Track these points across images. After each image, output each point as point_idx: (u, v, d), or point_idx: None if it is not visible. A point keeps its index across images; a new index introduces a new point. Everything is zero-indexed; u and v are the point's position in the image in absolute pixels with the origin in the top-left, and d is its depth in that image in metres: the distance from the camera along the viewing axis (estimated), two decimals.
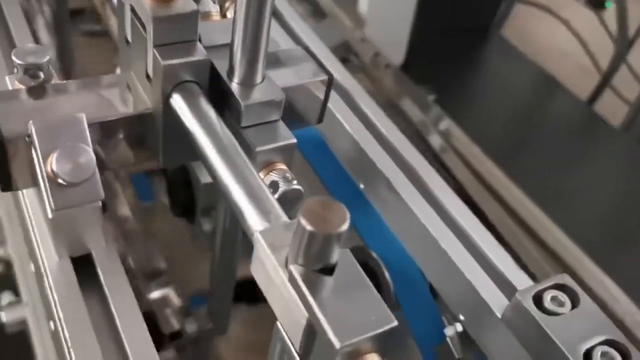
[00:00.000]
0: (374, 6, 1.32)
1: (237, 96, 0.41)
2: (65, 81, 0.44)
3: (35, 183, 0.42)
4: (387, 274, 0.59)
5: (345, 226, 0.29)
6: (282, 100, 0.43)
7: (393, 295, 0.59)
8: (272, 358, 0.36)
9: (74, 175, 0.38)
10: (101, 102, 0.44)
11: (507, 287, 0.48)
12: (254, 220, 0.34)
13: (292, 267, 0.30)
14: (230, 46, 0.41)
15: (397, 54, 1.39)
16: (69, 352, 0.40)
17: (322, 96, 0.51)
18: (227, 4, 0.50)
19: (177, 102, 0.41)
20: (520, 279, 0.48)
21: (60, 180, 0.38)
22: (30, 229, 0.47)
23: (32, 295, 0.81)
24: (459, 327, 0.55)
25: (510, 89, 1.73)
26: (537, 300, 0.44)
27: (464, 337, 0.54)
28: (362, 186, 0.60)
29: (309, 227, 0.28)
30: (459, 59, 1.71)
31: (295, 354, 0.32)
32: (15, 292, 0.90)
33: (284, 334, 0.33)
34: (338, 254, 0.30)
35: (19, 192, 0.49)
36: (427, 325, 0.57)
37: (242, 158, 0.38)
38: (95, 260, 0.44)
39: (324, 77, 0.49)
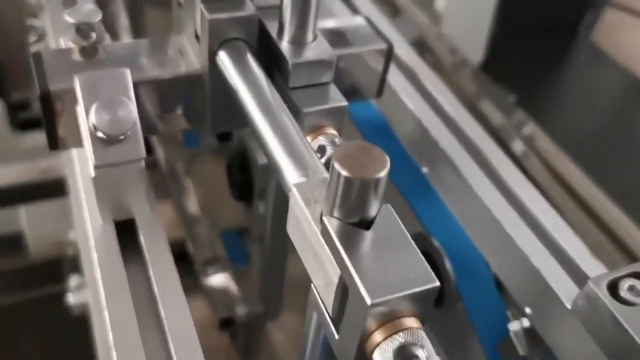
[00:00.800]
0: (451, 2, 1.28)
1: (285, 54, 0.39)
2: (116, 42, 0.44)
3: (80, 143, 0.41)
4: (448, 264, 0.55)
5: (385, 172, 0.26)
6: (334, 60, 0.40)
7: (454, 287, 0.55)
8: (308, 328, 0.33)
9: (114, 128, 0.37)
10: (150, 62, 0.43)
11: (578, 276, 0.43)
12: (291, 175, 0.32)
13: (325, 219, 0.27)
14: (279, 3, 0.39)
15: (475, 52, 1.34)
16: (106, 319, 0.39)
17: (380, 67, 0.48)
18: None
19: (223, 59, 0.40)
20: (594, 268, 0.43)
21: (100, 134, 0.37)
22: (80, 192, 0.47)
23: (95, 277, 0.82)
24: (525, 323, 0.50)
25: (600, 95, 1.63)
26: (612, 288, 0.39)
27: (529, 333, 0.49)
28: (424, 170, 0.57)
29: (344, 172, 0.26)
30: (544, 62, 1.63)
31: (328, 318, 0.29)
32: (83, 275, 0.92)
33: (317, 297, 0.30)
34: (377, 207, 0.27)
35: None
36: (490, 319, 0.52)
37: (285, 114, 0.36)
38: (138, 226, 0.42)
39: (383, 46, 0.47)
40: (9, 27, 1.51)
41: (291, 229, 0.31)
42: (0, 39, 1.50)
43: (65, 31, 0.44)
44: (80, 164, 0.47)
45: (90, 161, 0.38)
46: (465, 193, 0.52)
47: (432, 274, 0.26)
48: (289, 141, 0.34)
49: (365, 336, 0.26)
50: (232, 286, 0.69)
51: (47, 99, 0.39)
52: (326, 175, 0.32)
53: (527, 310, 0.47)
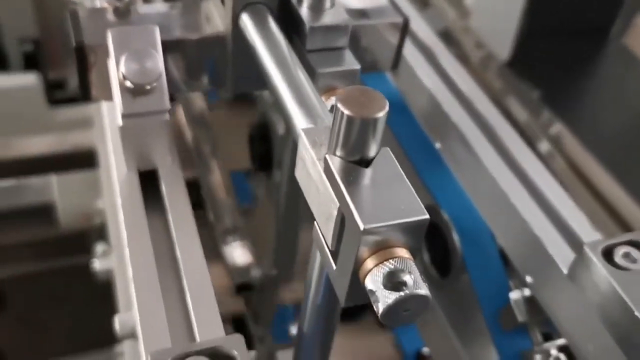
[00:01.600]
0: None
1: (303, 18, 0.42)
2: (148, 4, 0.47)
3: (109, 96, 0.44)
4: (456, 236, 0.57)
5: (383, 113, 0.28)
6: (349, 26, 0.42)
7: (461, 258, 0.57)
8: (312, 266, 0.36)
9: (141, 77, 0.39)
10: (178, 24, 0.45)
11: (576, 244, 0.45)
12: (301, 122, 0.34)
13: (328, 157, 0.30)
14: None
15: (502, 48, 1.34)
16: (127, 256, 0.42)
17: (396, 40, 0.50)
18: None
19: (246, 22, 0.42)
20: (591, 236, 0.45)
21: (128, 83, 0.40)
22: (109, 145, 0.50)
23: (119, 242, 0.86)
24: (526, 292, 0.51)
25: (630, 98, 1.61)
26: (607, 254, 0.41)
27: (529, 302, 0.51)
28: (438, 145, 0.59)
29: (346, 112, 0.28)
30: (573, 62, 1.62)
31: (328, 251, 0.31)
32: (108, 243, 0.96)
33: (319, 233, 0.32)
34: (377, 147, 0.30)
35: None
36: (493, 288, 0.54)
37: (301, 72, 0.38)
38: (159, 176, 0.45)
39: (399, 19, 0.49)
40: (47, 6, 1.56)
41: (298, 172, 0.33)
42: (38, 17, 1.56)
43: None
44: (110, 118, 0.50)
45: (119, 111, 0.41)
46: (475, 167, 0.53)
47: (423, 208, 0.28)
48: (302, 94, 0.36)
49: (359, 263, 0.28)
50: (249, 254, 0.71)
51: (81, 52, 0.42)
52: None
53: (528, 279, 0.49)
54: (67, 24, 0.44)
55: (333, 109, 0.29)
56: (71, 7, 0.44)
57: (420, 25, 0.64)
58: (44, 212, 1.20)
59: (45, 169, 1.14)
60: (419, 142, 0.61)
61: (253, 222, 0.76)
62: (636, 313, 0.38)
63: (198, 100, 1.04)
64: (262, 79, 0.41)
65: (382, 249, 0.28)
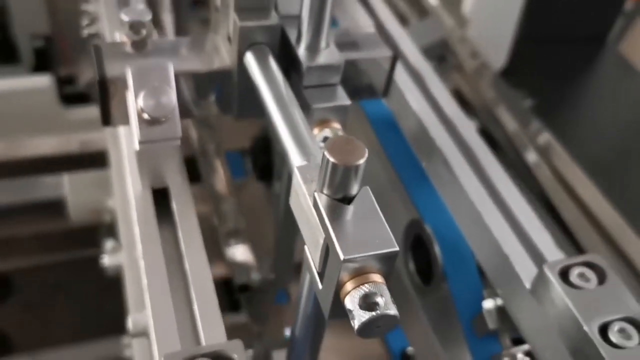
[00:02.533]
0: (478, 6, 1.33)
1: (301, 59, 0.47)
2: (163, 38, 0.52)
3: (127, 122, 0.50)
4: (437, 248, 0.63)
5: (362, 160, 0.34)
6: (341, 65, 0.48)
7: (442, 269, 0.62)
8: (302, 284, 0.41)
9: (157, 111, 0.45)
10: (190, 57, 0.51)
11: (541, 262, 0.50)
12: (295, 158, 0.40)
13: (316, 195, 0.35)
14: (299, 14, 0.47)
15: (498, 57, 1.39)
16: (142, 267, 0.47)
17: (386, 71, 0.55)
18: None
19: (250, 60, 0.48)
20: (556, 255, 0.50)
21: (145, 116, 0.45)
22: (126, 164, 0.55)
23: (128, 241, 0.91)
24: (499, 302, 0.57)
25: (623, 108, 1.64)
26: (564, 273, 0.46)
27: (500, 311, 0.56)
28: (424, 164, 0.64)
29: (332, 159, 0.33)
30: (568, 70, 1.65)
31: (315, 273, 0.37)
32: (118, 240, 1.01)
33: (309, 256, 0.38)
34: (358, 187, 0.35)
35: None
36: (469, 298, 0.59)
37: (296, 109, 0.44)
38: (170, 194, 0.51)
39: (389, 53, 0.54)
40: (58, 3, 1.61)
41: (292, 202, 0.39)
42: (50, 14, 1.61)
43: (120, 27, 0.52)
44: (126, 140, 0.55)
45: (136, 137, 0.47)
46: (456, 188, 0.59)
47: (394, 241, 0.34)
48: (297, 131, 0.42)
49: (340, 285, 0.34)
50: (250, 256, 0.77)
51: (103, 84, 0.48)
52: None
53: (499, 290, 0.54)
54: (91, 55, 0.49)
55: (322, 156, 0.34)
56: (95, 42, 0.50)
57: (412, 51, 0.69)
58: (55, 208, 1.26)
59: (58, 168, 1.20)
60: (407, 159, 0.67)
61: (254, 226, 0.82)
62: (585, 328, 0.43)
63: None
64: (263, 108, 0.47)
65: (359, 275, 0.34)
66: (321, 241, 0.35)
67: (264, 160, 0.73)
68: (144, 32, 0.51)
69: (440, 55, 1.28)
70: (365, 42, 0.54)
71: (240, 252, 0.79)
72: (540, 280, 0.47)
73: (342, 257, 0.32)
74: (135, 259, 0.83)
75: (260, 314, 0.77)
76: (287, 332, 0.75)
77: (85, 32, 1.05)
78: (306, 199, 0.36)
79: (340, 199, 0.35)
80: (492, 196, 0.56)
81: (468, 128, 0.62)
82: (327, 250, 0.35)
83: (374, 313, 0.32)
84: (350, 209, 0.35)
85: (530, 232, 0.53)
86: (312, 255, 0.37)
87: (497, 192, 0.57)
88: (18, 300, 1.63)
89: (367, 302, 0.33)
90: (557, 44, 1.56)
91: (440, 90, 0.65)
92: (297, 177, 0.37)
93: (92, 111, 1.28)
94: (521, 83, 1.34)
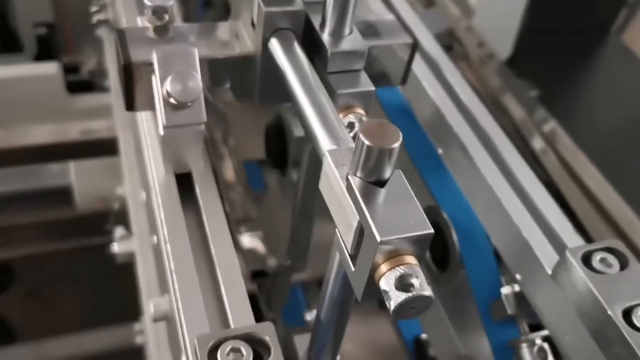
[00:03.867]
0: None
1: (325, 44, 0.47)
2: (185, 24, 0.52)
3: (151, 107, 0.50)
4: (454, 235, 0.63)
5: (397, 144, 0.34)
6: (365, 51, 0.48)
7: (459, 255, 0.63)
8: (331, 265, 0.42)
9: (183, 95, 0.45)
10: (213, 43, 0.51)
11: (560, 247, 0.51)
12: (325, 143, 0.40)
13: (350, 178, 0.36)
14: (323, 0, 0.47)
15: (503, 47, 1.39)
16: (168, 250, 0.47)
17: (406, 58, 0.55)
18: None
19: (274, 46, 0.48)
20: (575, 241, 0.51)
21: (171, 100, 0.45)
22: (145, 149, 0.55)
23: (140, 228, 0.91)
24: (516, 288, 0.58)
25: (627, 96, 1.65)
26: (586, 259, 0.47)
27: (519, 296, 0.57)
28: (440, 151, 0.65)
29: (367, 142, 0.34)
30: (573, 60, 1.66)
31: (347, 255, 0.37)
32: (128, 227, 1.02)
33: (340, 239, 0.38)
34: (391, 170, 0.35)
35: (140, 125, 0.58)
36: (487, 283, 0.60)
37: (323, 95, 0.44)
38: (194, 178, 0.51)
39: (409, 40, 0.54)
40: None
41: (322, 186, 0.39)
42: (53, 2, 1.60)
43: (137, 12, 0.52)
44: (147, 126, 0.55)
45: (160, 122, 0.47)
46: (473, 174, 0.59)
47: (429, 223, 0.34)
48: (325, 116, 0.42)
49: (375, 267, 0.34)
50: (263, 243, 0.77)
51: (128, 69, 0.48)
52: (352, 144, 0.40)
53: (517, 276, 0.55)
54: (116, 42, 0.49)
55: (355, 137, 0.34)
56: (119, 27, 0.50)
57: (428, 39, 0.69)
58: (61, 195, 1.26)
59: (63, 156, 1.20)
60: (423, 147, 0.67)
61: (267, 213, 0.82)
62: (609, 312, 0.44)
63: None
64: (285, 93, 0.47)
65: (394, 257, 0.34)
66: (354, 224, 0.35)
67: (278, 148, 0.73)
68: (166, 17, 0.51)
69: (447, 44, 1.28)
70: (385, 29, 0.54)
71: (253, 240, 0.79)
72: (562, 265, 0.47)
73: (378, 238, 0.33)
74: (147, 246, 0.84)
75: (274, 300, 0.78)
76: (308, 316, 0.76)
77: (95, 18, 1.05)
78: (338, 182, 0.37)
79: (374, 182, 0.35)
80: (510, 182, 0.57)
81: (485, 115, 0.62)
82: (362, 233, 0.35)
83: (410, 294, 0.33)
84: (383, 192, 0.35)
85: (549, 218, 0.53)
86: (343, 237, 0.37)
87: (515, 178, 0.57)
88: (22, 289, 1.63)
89: (403, 284, 0.33)
90: (562, 33, 1.57)
91: (457, 78, 0.65)
92: (328, 161, 0.38)
93: (98, 99, 1.27)
94: (526, 72, 1.35)
